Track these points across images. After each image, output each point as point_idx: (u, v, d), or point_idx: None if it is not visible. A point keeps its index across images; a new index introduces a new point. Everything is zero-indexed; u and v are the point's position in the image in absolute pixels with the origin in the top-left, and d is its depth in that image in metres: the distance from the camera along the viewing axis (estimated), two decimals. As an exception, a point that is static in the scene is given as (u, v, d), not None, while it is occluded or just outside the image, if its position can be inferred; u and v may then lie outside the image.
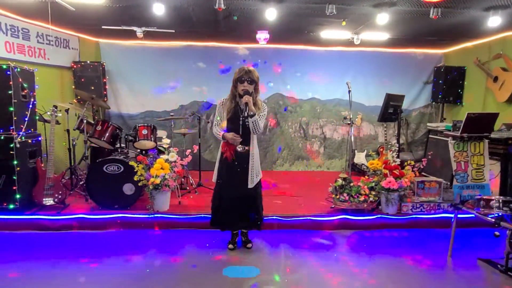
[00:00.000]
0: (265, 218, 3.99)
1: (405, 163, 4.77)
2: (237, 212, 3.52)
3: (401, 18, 4.95)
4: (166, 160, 4.67)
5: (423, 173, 6.26)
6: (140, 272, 3.31)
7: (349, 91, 4.91)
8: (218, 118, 3.45)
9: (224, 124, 3.43)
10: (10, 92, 4.24)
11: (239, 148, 3.37)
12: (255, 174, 3.49)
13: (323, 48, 7.41)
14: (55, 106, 4.70)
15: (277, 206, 4.97)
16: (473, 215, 3.59)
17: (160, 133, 6.33)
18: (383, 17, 4.63)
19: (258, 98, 3.42)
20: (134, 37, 5.99)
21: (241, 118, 3.32)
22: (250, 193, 3.52)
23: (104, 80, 6.85)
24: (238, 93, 3.35)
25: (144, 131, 5.34)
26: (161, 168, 4.57)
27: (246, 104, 3.25)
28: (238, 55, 7.55)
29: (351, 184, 4.83)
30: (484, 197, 3.44)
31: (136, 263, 3.49)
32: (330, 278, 3.23)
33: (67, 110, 5.41)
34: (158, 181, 4.45)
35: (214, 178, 3.59)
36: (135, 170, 4.55)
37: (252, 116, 3.25)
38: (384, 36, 6.15)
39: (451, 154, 4.39)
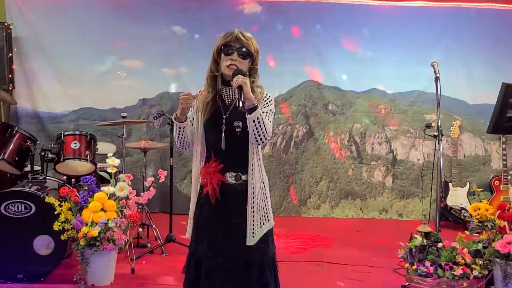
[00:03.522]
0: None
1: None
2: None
3: None
4: (112, 196, 4.69)
5: None
6: None
7: (437, 79, 4.99)
8: (190, 120, 3.48)
9: (200, 131, 3.42)
10: None
11: (229, 178, 3.27)
12: (258, 222, 3.35)
13: (391, 2, 7.49)
14: None
15: (306, 283, 4.93)
16: None
17: (104, 147, 6.30)
18: None
19: (257, 83, 3.38)
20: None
21: (224, 120, 3.29)
22: (252, 257, 3.41)
23: (10, 54, 6.95)
24: (221, 74, 3.33)
25: (75, 144, 5.36)
26: (102, 210, 4.59)
27: (240, 88, 3.15)
28: (243, 15, 7.67)
29: (440, 244, 4.79)
30: None
31: None
32: None
33: None
34: (95, 232, 4.45)
35: (188, 233, 3.58)
36: (56, 213, 4.47)
37: (252, 109, 3.16)
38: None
39: None
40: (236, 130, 3.19)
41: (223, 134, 3.21)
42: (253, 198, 3.31)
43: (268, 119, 3.22)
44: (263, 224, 3.39)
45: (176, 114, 3.29)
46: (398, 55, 7.73)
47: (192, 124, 3.34)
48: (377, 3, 7.64)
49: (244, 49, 3.22)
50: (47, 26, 7.49)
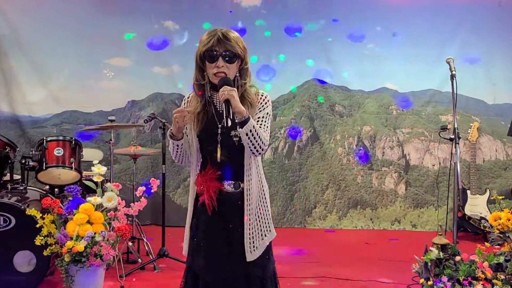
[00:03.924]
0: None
1: None
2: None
3: None
4: (99, 207, 4.65)
5: None
6: None
7: (453, 77, 4.94)
8: (184, 131, 3.44)
9: (195, 143, 3.40)
10: None
11: (227, 186, 3.31)
12: (259, 233, 3.42)
13: None
14: None
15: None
16: None
17: (90, 153, 6.36)
18: None
19: (249, 85, 3.40)
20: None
21: (219, 130, 3.30)
22: (253, 272, 3.38)
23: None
24: (208, 82, 3.34)
25: (58, 151, 5.38)
26: (88, 222, 4.56)
27: (227, 102, 3.18)
28: (241, 8, 7.64)
29: (458, 258, 4.75)
30: None
31: None
32: None
33: None
34: (81, 247, 4.41)
35: (185, 249, 3.51)
36: (38, 226, 4.44)
37: (243, 122, 3.16)
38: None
39: None
40: (234, 140, 3.21)
41: (218, 145, 3.25)
42: (251, 207, 3.37)
43: (264, 125, 3.27)
44: (265, 235, 3.43)
45: (171, 131, 3.29)
46: (410, 51, 7.70)
47: (187, 135, 3.37)
48: None
49: (229, 52, 3.22)
50: (27, 21, 7.47)
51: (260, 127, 3.21)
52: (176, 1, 7.63)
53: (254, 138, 3.15)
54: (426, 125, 7.83)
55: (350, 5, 7.67)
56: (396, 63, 7.75)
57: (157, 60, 7.70)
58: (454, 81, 4.90)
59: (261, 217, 3.44)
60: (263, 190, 3.41)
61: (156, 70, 7.73)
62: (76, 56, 7.56)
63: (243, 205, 3.36)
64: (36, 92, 7.55)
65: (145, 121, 6.04)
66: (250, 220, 3.38)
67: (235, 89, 3.13)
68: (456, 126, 5.03)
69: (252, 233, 3.38)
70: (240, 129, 3.11)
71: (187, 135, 3.37)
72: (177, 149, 3.34)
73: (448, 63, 4.97)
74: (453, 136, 5.05)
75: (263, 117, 3.29)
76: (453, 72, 4.92)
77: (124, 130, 7.56)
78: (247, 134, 3.12)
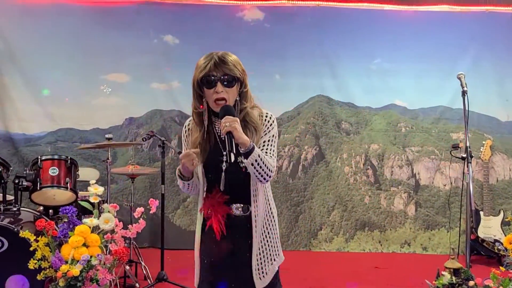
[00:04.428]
0: None
1: None
2: None
3: None
4: (95, 229, 4.52)
5: None
6: None
7: (464, 93, 4.92)
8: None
9: (200, 172, 3.42)
10: None
11: (236, 210, 3.35)
12: (267, 259, 3.43)
13: (411, 7, 7.47)
14: None
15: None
16: None
17: (86, 173, 6.33)
18: None
19: (250, 107, 3.41)
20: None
21: (224, 160, 3.27)
22: None
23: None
24: (208, 109, 3.35)
25: (53, 170, 5.34)
26: (84, 245, 4.43)
27: (229, 134, 3.16)
28: (244, 23, 7.63)
29: (471, 282, 4.66)
30: None
31: None
32: None
33: None
34: (76, 271, 4.27)
35: (196, 281, 3.49)
36: (32, 249, 4.39)
37: (248, 153, 3.16)
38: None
39: None
40: (241, 166, 3.20)
41: (223, 174, 3.26)
42: (258, 230, 3.40)
43: (270, 149, 3.31)
44: (274, 260, 3.46)
45: (180, 171, 3.33)
46: (419, 66, 7.72)
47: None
48: (396, 8, 7.66)
49: (227, 76, 3.24)
50: (21, 36, 7.45)
51: (266, 153, 3.25)
52: (176, 16, 7.59)
53: (260, 167, 3.18)
54: (436, 143, 7.79)
55: (358, 19, 7.67)
56: (404, 79, 7.75)
57: (155, 76, 7.66)
58: (466, 97, 4.87)
59: (270, 241, 3.46)
60: (271, 213, 3.44)
61: (155, 86, 7.68)
62: (72, 72, 7.52)
63: (251, 228, 3.38)
64: (30, 109, 7.49)
65: (144, 139, 6.00)
66: (258, 244, 3.40)
67: (238, 120, 3.13)
68: (468, 144, 5.00)
69: (261, 258, 3.41)
70: (245, 159, 3.12)
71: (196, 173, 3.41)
72: (188, 186, 3.38)
73: (459, 78, 4.94)
74: (465, 155, 5.02)
75: (268, 140, 3.32)
76: (465, 88, 4.90)
77: (122, 148, 7.53)
78: (252, 164, 3.15)
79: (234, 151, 3.09)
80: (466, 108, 4.84)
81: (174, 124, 7.62)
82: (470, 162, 4.98)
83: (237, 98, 3.29)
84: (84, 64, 7.51)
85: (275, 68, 7.75)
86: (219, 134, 3.34)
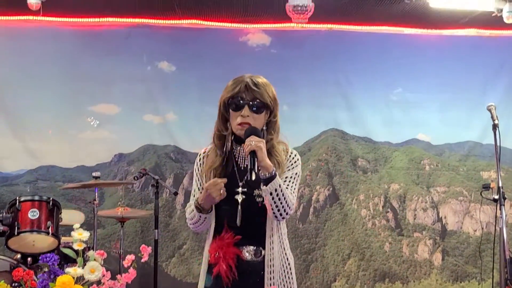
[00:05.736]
0: None
1: None
2: None
3: None
4: (79, 279, 4.26)
5: None
6: None
7: (495, 126, 4.92)
8: (197, 192, 3.52)
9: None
10: None
11: (247, 253, 3.34)
12: None
13: (435, 31, 7.47)
14: None
15: None
16: None
17: (70, 216, 6.11)
18: None
19: (277, 141, 3.45)
20: (23, 8, 6.27)
21: (240, 190, 3.30)
22: None
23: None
24: (231, 134, 3.39)
25: (33, 213, 5.24)
26: None
27: (253, 154, 3.12)
28: (248, 48, 7.56)
29: None
30: None
31: None
32: None
33: None
34: None
35: None
36: None
37: (268, 180, 3.15)
38: None
39: None
40: (257, 200, 3.28)
41: (239, 207, 3.30)
42: (273, 278, 3.40)
43: (292, 187, 3.36)
44: None
45: (198, 203, 3.35)
46: (445, 96, 7.71)
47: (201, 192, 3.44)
48: (418, 32, 7.58)
49: (257, 101, 3.29)
50: (2, 59, 7.32)
51: (286, 188, 3.26)
52: (172, 40, 7.51)
53: (279, 199, 3.21)
54: (465, 183, 7.74)
55: (376, 45, 7.66)
56: (428, 111, 7.69)
57: (148, 107, 7.52)
58: (497, 131, 4.89)
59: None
60: (288, 260, 3.47)
61: (148, 118, 7.55)
62: (56, 102, 7.40)
63: (264, 275, 3.41)
64: (6, 144, 7.32)
65: (135, 178, 6.10)
66: None
67: (264, 141, 3.19)
68: (500, 184, 5.01)
69: None
70: (264, 186, 3.17)
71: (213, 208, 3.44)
72: (203, 221, 3.42)
73: (490, 110, 4.93)
74: (497, 196, 5.02)
75: (291, 177, 3.39)
76: (496, 121, 4.91)
77: (110, 188, 7.49)
78: (271, 194, 3.17)
79: (256, 170, 3.13)
80: (498, 144, 4.85)
81: (169, 161, 7.63)
82: (503, 205, 4.98)
83: (264, 127, 3.34)
84: (69, 93, 7.39)
85: (283, 99, 7.37)
86: (238, 162, 3.39)
